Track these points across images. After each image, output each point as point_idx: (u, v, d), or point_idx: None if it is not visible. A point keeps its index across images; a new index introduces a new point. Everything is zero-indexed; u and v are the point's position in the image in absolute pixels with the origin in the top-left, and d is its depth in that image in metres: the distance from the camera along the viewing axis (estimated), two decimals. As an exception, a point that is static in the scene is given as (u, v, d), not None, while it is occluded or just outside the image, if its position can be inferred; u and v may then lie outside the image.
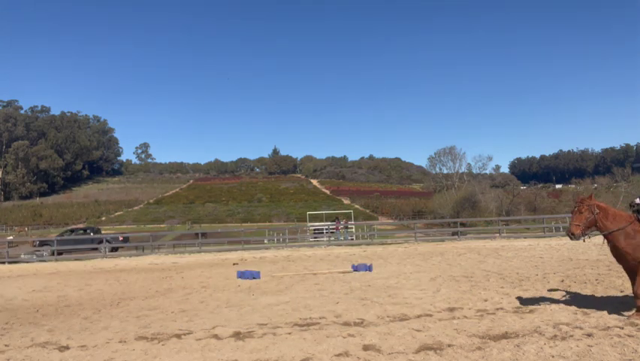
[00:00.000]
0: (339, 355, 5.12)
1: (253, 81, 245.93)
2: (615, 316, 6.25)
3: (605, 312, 6.45)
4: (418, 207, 76.28)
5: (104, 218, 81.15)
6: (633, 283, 6.22)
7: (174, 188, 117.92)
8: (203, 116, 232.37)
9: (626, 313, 6.24)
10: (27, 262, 21.86)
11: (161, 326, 6.93)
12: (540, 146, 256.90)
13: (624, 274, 9.76)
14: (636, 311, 6.08)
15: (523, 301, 7.46)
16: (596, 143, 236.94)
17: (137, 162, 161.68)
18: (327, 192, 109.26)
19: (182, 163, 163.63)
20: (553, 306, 7.04)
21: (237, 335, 6.17)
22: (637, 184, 60.74)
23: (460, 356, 4.91)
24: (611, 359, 4.63)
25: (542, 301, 7.40)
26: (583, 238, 6.22)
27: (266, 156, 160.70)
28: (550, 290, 8.42)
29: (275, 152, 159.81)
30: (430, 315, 6.84)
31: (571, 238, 6.23)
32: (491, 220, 33.28)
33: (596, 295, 7.80)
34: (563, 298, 7.60)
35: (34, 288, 12.16)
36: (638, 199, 6.49)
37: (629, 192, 56.42)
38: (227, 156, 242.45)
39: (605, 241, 6.31)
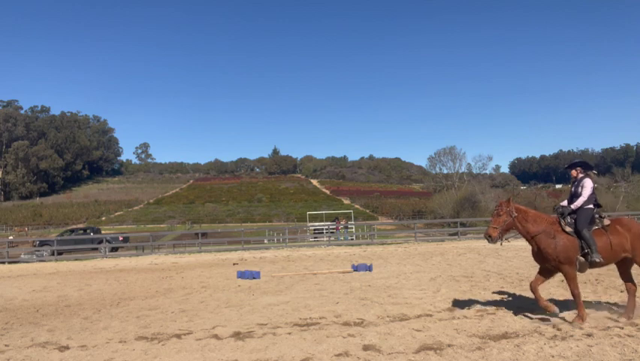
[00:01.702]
0: (339, 355, 5.12)
1: (253, 81, 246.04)
2: (615, 316, 6.25)
3: (605, 312, 6.46)
4: (418, 207, 76.22)
5: (104, 218, 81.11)
6: (537, 285, 6.32)
7: (174, 188, 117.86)
8: (203, 116, 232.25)
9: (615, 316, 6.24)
10: (27, 262, 21.87)
11: (161, 326, 6.94)
12: (540, 146, 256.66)
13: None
14: (577, 314, 6.09)
15: (523, 302, 7.46)
16: (596, 143, 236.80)
17: (137, 162, 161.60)
18: (327, 192, 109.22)
19: (182, 163, 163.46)
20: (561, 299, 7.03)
21: (237, 335, 6.17)
22: (637, 184, 60.74)
23: (460, 356, 4.91)
24: (611, 359, 4.63)
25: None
26: (501, 240, 6.39)
27: (266, 156, 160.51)
28: (550, 290, 8.42)
29: (275, 152, 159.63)
30: (430, 315, 6.84)
31: (488, 241, 6.37)
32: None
33: (595, 295, 7.80)
34: (563, 298, 7.60)
35: (34, 288, 12.17)
36: (562, 203, 6.54)
37: (629, 192, 56.43)
38: (227, 156, 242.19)
39: (529, 243, 6.43)
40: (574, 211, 6.29)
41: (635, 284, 6.41)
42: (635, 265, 6.39)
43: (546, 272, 6.41)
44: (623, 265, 6.40)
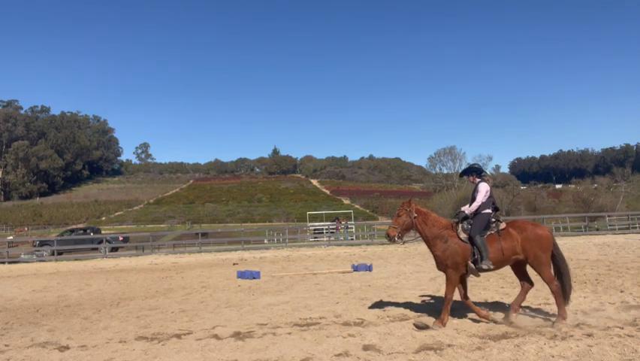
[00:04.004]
0: (339, 355, 5.12)
1: (253, 81, 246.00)
2: (615, 316, 6.25)
3: (605, 312, 6.45)
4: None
5: (104, 218, 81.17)
6: (465, 297, 6.41)
7: (174, 188, 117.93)
8: (203, 116, 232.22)
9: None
10: (27, 262, 21.88)
11: (161, 326, 6.94)
12: (540, 146, 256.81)
13: (624, 274, 9.79)
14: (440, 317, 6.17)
15: (523, 301, 7.45)
16: (596, 143, 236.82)
17: (137, 162, 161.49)
18: (327, 192, 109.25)
19: (182, 163, 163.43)
20: (553, 306, 7.03)
21: (237, 335, 6.17)
22: (637, 184, 60.70)
23: (460, 356, 4.91)
24: (611, 359, 4.63)
25: (542, 301, 7.40)
26: (401, 241, 6.50)
27: (266, 156, 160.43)
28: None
29: (275, 152, 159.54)
30: (431, 315, 6.83)
31: (388, 240, 6.53)
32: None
33: (595, 295, 7.80)
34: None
35: (34, 288, 12.17)
36: (464, 207, 6.57)
37: (629, 192, 56.40)
38: (227, 156, 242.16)
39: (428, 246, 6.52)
40: (470, 216, 6.36)
41: (531, 283, 6.46)
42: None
43: (462, 279, 6.49)
44: (517, 265, 6.44)
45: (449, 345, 5.26)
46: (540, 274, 6.22)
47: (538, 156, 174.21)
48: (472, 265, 6.14)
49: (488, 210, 6.32)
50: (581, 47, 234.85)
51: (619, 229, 29.39)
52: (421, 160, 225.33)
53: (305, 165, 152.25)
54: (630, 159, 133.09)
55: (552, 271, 6.25)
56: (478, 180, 6.54)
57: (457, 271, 6.19)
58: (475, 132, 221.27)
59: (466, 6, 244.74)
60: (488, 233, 6.23)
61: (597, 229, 28.73)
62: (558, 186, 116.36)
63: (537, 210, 52.62)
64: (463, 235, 6.22)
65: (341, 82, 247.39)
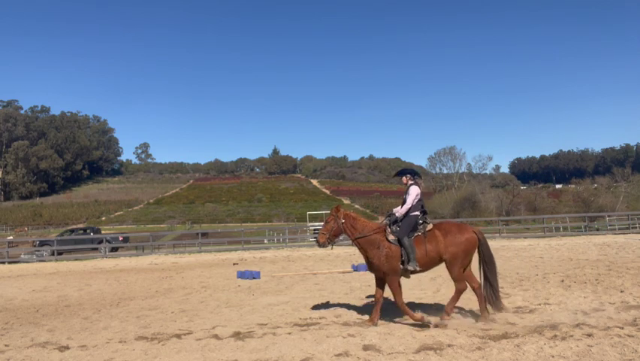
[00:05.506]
0: (339, 355, 5.12)
1: (253, 81, 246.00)
2: (615, 316, 6.25)
3: (605, 312, 6.45)
4: (418, 207, 76.08)
5: (104, 218, 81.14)
6: (380, 297, 6.53)
7: (174, 188, 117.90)
8: (203, 116, 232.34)
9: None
10: (27, 262, 21.88)
11: (161, 326, 6.94)
12: (540, 146, 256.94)
13: (624, 274, 9.79)
14: (420, 321, 6.23)
15: (523, 301, 7.46)
16: (596, 143, 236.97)
17: (137, 162, 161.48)
18: (327, 192, 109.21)
19: (182, 163, 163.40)
20: (553, 306, 7.03)
21: (237, 335, 6.17)
22: (637, 184, 60.67)
23: (460, 356, 4.91)
24: (611, 359, 4.63)
25: (542, 301, 7.40)
26: (330, 245, 6.65)
27: (266, 156, 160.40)
28: (549, 290, 8.42)
29: (275, 152, 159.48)
30: (431, 315, 6.83)
31: (318, 246, 6.67)
32: (491, 220, 33.27)
33: (595, 295, 7.79)
34: (563, 298, 7.59)
35: (34, 288, 12.17)
36: (395, 209, 6.65)
37: (629, 192, 56.37)
38: (227, 156, 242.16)
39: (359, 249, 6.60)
40: (399, 218, 6.43)
41: (478, 283, 6.46)
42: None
43: (382, 281, 6.57)
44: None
45: (449, 345, 5.26)
46: (450, 273, 6.34)
47: (538, 156, 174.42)
48: (400, 266, 6.24)
49: (416, 213, 6.43)
50: (581, 46, 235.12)
51: (619, 229, 29.37)
52: (421, 160, 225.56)
53: (305, 165, 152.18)
54: (630, 159, 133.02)
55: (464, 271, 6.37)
56: (410, 182, 6.66)
57: (396, 274, 6.30)
58: (475, 132, 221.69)
59: (466, 6, 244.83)
60: (415, 235, 6.33)
61: (597, 229, 28.71)
62: (558, 186, 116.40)
63: (537, 210, 52.59)
64: (391, 237, 6.32)
65: (341, 82, 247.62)
